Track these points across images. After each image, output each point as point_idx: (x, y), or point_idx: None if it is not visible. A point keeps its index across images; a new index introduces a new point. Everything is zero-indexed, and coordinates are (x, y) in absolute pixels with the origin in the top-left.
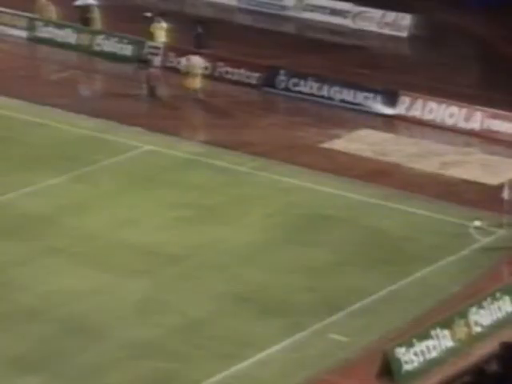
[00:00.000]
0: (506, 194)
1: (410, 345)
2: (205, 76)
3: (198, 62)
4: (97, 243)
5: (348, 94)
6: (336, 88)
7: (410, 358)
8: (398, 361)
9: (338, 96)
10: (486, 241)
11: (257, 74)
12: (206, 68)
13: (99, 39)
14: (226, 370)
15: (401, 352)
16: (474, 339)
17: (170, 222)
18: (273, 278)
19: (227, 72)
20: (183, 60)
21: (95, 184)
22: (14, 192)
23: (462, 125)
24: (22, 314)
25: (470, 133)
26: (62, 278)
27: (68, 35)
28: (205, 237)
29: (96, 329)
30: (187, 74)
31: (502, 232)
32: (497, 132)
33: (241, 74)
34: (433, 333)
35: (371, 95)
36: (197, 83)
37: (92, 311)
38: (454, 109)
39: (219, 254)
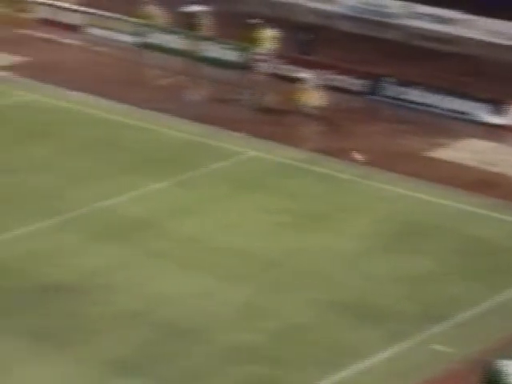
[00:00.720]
0: None
1: None
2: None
3: (309, 76)
4: (199, 247)
5: (454, 103)
6: (441, 96)
7: None
8: (500, 373)
9: (444, 104)
10: None
11: (361, 82)
12: (316, 82)
13: (205, 45)
14: (327, 378)
15: (504, 364)
16: None
17: (271, 228)
18: (374, 286)
19: (332, 79)
20: (295, 73)
21: (198, 189)
22: (118, 196)
23: None
24: (125, 317)
25: None
26: (164, 282)
27: (174, 41)
28: (305, 243)
29: (198, 333)
30: (298, 87)
31: None
32: None
33: (345, 81)
34: None
35: (477, 104)
36: (308, 98)
37: (194, 315)
38: None
39: (320, 261)
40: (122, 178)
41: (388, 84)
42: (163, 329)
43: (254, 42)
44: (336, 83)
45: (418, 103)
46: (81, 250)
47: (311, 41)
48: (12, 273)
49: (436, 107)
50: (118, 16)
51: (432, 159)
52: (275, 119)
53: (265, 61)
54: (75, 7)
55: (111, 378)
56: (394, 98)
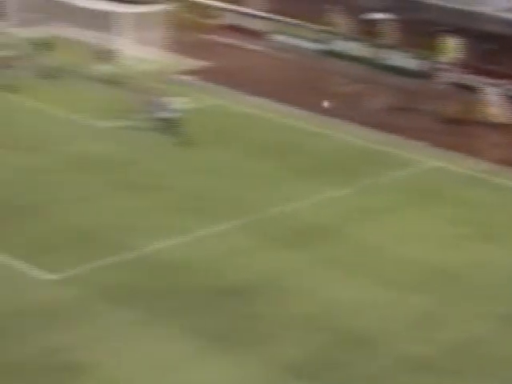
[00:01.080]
0: None
1: None
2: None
3: (491, 86)
4: (377, 256)
5: None
6: None
7: None
8: None
9: None
10: None
11: None
12: (499, 93)
13: (387, 53)
14: None
15: None
16: None
17: (451, 240)
18: None
19: None
20: (477, 83)
21: (377, 197)
22: (297, 201)
23: None
24: (300, 321)
25: None
26: (341, 289)
27: (356, 48)
28: (485, 256)
29: (373, 342)
30: (480, 97)
31: None
32: None
33: None
34: None
35: None
36: (490, 108)
37: (370, 324)
38: None
39: (499, 274)
40: (301, 183)
41: None
42: (337, 335)
43: (436, 50)
44: None
45: None
46: (257, 252)
47: (494, 50)
48: (190, 273)
49: None
50: (301, 23)
51: None
52: (456, 129)
53: (447, 70)
54: (260, 14)
55: (285, 382)
56: None
